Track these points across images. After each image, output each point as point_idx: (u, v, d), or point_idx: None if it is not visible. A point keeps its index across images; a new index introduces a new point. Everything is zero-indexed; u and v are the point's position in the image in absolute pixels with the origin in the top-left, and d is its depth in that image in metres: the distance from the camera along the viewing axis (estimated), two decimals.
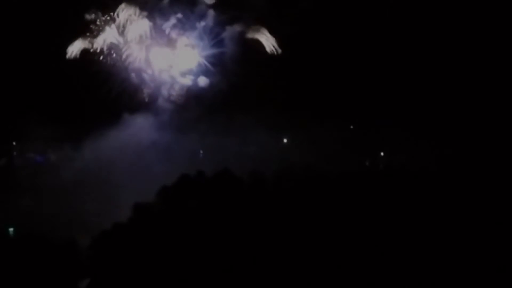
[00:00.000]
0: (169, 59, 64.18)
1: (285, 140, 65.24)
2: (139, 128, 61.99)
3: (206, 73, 63.85)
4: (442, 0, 59.23)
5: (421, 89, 59.94)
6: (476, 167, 53.68)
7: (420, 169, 52.98)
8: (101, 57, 62.93)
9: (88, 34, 63.00)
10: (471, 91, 58.90)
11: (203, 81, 63.81)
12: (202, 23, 63.63)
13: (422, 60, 59.86)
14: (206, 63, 63.83)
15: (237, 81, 61.86)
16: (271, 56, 63.48)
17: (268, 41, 63.38)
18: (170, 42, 64.00)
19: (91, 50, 62.89)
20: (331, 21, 60.32)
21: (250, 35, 63.44)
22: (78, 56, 62.68)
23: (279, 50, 63.26)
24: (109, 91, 62.21)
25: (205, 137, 62.44)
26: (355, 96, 61.33)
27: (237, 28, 63.16)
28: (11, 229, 54.82)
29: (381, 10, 59.45)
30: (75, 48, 62.56)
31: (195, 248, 44.66)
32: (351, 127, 63.79)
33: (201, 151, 63.90)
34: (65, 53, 62.59)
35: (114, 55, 63.19)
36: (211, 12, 63.29)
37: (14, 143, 64.48)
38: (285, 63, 62.70)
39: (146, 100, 63.80)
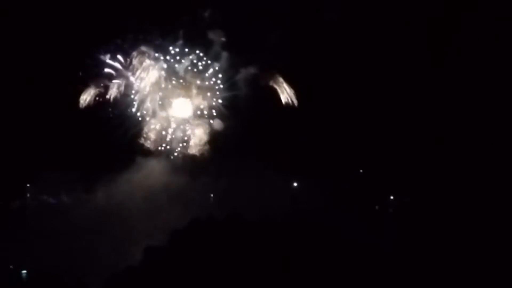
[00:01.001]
0: (183, 101, 64.96)
1: (295, 184, 65.51)
2: (151, 171, 62.61)
3: (219, 115, 64.53)
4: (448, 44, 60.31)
5: (431, 135, 60.78)
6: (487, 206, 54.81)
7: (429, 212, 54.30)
8: (115, 100, 63.61)
9: (102, 77, 63.76)
10: (479, 131, 59.55)
11: (216, 124, 64.46)
12: (216, 65, 64.33)
13: (432, 107, 60.81)
14: (220, 105, 64.55)
15: (249, 125, 62.44)
16: (285, 101, 64.25)
17: (282, 87, 64.20)
18: (184, 85, 64.78)
19: (106, 93, 63.54)
20: (342, 69, 61.41)
21: (264, 79, 64.12)
22: (92, 101, 63.43)
23: (293, 97, 64.01)
24: (122, 134, 63.05)
25: (216, 181, 63.07)
26: (364, 141, 62.13)
27: (251, 70, 63.61)
28: (24, 272, 56.13)
29: (392, 60, 60.86)
30: (88, 95, 63.35)
31: None
32: (361, 171, 64.53)
33: (212, 195, 64.22)
34: (79, 95, 63.19)
35: (128, 98, 63.91)
36: (225, 54, 63.92)
37: (28, 185, 65.08)
38: (298, 108, 64.10)
39: (159, 142, 64.45)
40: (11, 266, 57.36)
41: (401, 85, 60.81)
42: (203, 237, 50.93)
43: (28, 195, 65.36)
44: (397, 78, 60.73)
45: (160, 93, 64.65)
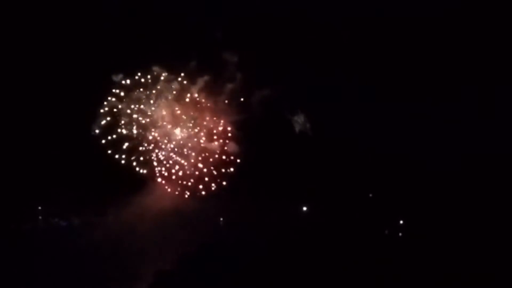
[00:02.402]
0: (196, 123, 65.56)
1: (304, 208, 66.26)
2: (161, 194, 63.77)
3: (233, 138, 65.35)
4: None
5: (442, 160, 62.05)
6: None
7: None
8: (127, 122, 64.77)
9: (114, 97, 64.88)
10: (491, 159, 60.91)
11: (230, 147, 65.17)
12: (230, 86, 65.03)
13: (441, 133, 62.35)
14: (234, 128, 65.50)
15: (261, 148, 63.60)
16: (298, 129, 65.42)
17: (296, 113, 65.27)
18: (197, 106, 65.66)
19: (117, 115, 64.71)
20: (354, 94, 63.38)
21: (279, 103, 64.83)
22: (103, 124, 64.47)
23: (307, 124, 65.05)
24: (135, 157, 64.36)
25: (227, 205, 64.11)
26: (374, 166, 63.74)
27: (266, 92, 64.32)
28: None
29: (404, 86, 62.46)
30: (100, 118, 64.45)
31: None
32: (370, 195, 65.54)
33: (222, 219, 65.26)
34: (90, 118, 64.23)
35: (140, 119, 64.92)
36: (239, 75, 64.59)
37: (39, 208, 66.74)
38: (310, 134, 65.45)
39: (169, 165, 65.06)
40: None
41: (412, 110, 62.31)
42: (212, 261, 52.59)
43: (39, 217, 66.79)
44: (408, 104, 62.23)
45: (173, 115, 65.52)
